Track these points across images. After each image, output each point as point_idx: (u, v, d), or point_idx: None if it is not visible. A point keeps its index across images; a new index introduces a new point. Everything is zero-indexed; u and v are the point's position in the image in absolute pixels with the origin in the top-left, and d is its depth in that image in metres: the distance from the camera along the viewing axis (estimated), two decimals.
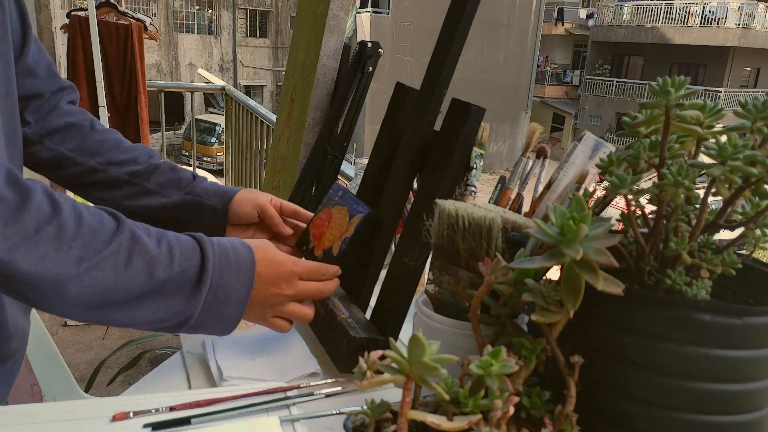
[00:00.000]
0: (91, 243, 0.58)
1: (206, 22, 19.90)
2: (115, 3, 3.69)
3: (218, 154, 14.85)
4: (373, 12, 16.52)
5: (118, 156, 0.89)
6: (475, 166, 0.83)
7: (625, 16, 21.66)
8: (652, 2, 21.15)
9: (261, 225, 0.94)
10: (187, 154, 15.50)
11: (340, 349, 0.81)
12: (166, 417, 0.66)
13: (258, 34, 20.84)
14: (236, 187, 0.95)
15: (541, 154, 0.87)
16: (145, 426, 0.64)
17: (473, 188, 0.83)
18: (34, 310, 1.29)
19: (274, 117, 2.67)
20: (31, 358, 1.30)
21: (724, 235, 0.59)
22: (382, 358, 0.49)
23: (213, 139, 15.73)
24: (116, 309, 0.60)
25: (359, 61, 1.32)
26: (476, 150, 0.83)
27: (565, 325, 0.55)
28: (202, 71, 6.24)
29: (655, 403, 0.53)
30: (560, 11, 24.81)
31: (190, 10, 19.51)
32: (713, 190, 0.54)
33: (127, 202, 0.88)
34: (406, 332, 0.86)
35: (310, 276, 0.76)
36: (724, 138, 0.54)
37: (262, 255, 0.71)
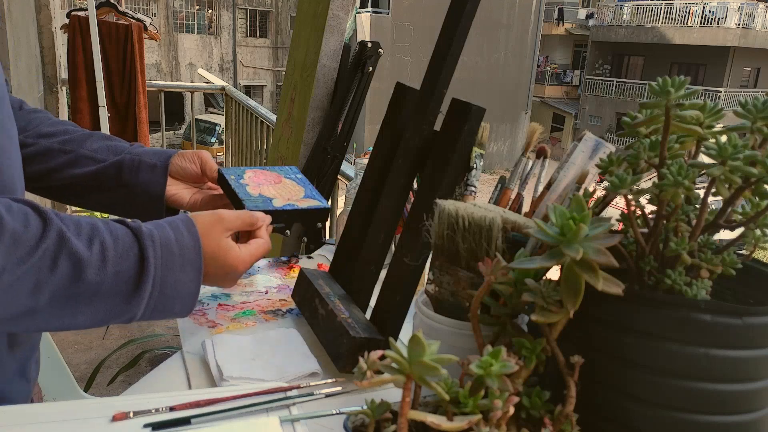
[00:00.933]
0: (14, 251, 0.53)
1: (206, 22, 19.89)
2: (115, 3, 3.70)
3: (218, 154, 14.84)
4: (373, 12, 16.51)
5: (47, 129, 0.87)
6: (475, 166, 0.83)
7: (625, 16, 21.66)
8: (652, 2, 21.14)
9: (205, 188, 0.94)
10: None
11: (340, 349, 0.81)
12: (166, 417, 0.66)
13: (258, 34, 20.83)
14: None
15: (541, 154, 0.87)
16: (145, 426, 0.64)
17: (473, 188, 0.83)
18: None
19: (274, 117, 2.67)
20: None
21: (724, 235, 0.59)
22: (382, 358, 0.49)
23: (213, 139, 15.72)
24: (44, 316, 0.56)
25: (359, 61, 1.32)
26: (476, 150, 0.83)
27: (565, 325, 0.55)
28: (202, 71, 6.23)
29: (655, 403, 0.53)
30: (560, 11, 24.80)
31: (190, 10, 19.50)
32: (713, 190, 0.54)
33: (65, 172, 0.85)
34: (406, 332, 0.86)
35: (256, 260, 0.74)
36: (724, 138, 0.54)
37: (211, 253, 0.67)
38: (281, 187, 0.90)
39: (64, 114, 3.73)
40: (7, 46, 2.47)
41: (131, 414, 0.66)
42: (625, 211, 0.57)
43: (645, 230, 0.58)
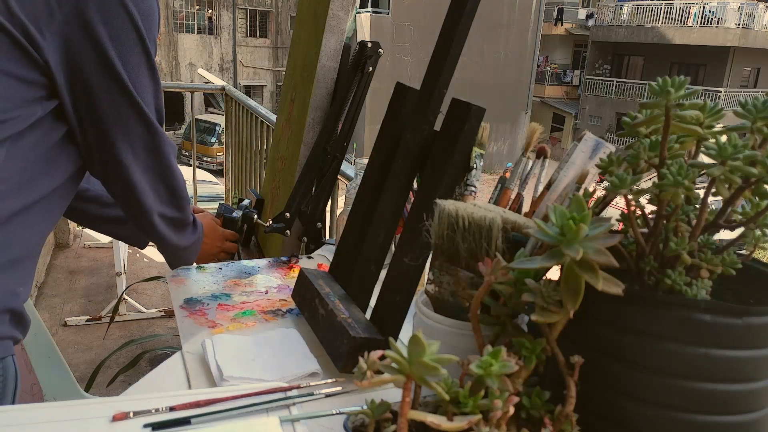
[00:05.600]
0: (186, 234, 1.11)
1: (206, 22, 19.88)
2: None
3: (218, 154, 14.82)
4: (373, 12, 16.51)
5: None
6: (475, 166, 0.83)
7: (625, 16, 21.64)
8: (652, 2, 21.12)
9: None
10: (187, 154, 15.46)
11: (340, 349, 0.81)
12: (166, 417, 0.66)
13: (258, 34, 20.82)
14: None
15: (541, 154, 0.87)
16: (145, 426, 0.64)
17: (473, 188, 0.83)
18: (34, 310, 1.29)
19: (274, 117, 2.66)
20: (31, 358, 1.30)
21: (724, 235, 0.59)
22: (382, 358, 0.49)
23: (213, 139, 15.70)
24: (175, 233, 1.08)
25: (359, 61, 1.32)
26: (476, 150, 0.83)
27: (565, 325, 0.55)
28: (202, 71, 6.23)
29: (655, 403, 0.53)
30: (560, 11, 24.77)
31: (190, 10, 19.48)
32: (713, 190, 0.54)
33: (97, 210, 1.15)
34: (406, 332, 0.86)
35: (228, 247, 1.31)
36: (724, 138, 0.54)
37: (208, 232, 1.24)
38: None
39: None
40: None
41: (131, 414, 0.66)
42: (625, 211, 0.57)
43: (645, 230, 0.58)
